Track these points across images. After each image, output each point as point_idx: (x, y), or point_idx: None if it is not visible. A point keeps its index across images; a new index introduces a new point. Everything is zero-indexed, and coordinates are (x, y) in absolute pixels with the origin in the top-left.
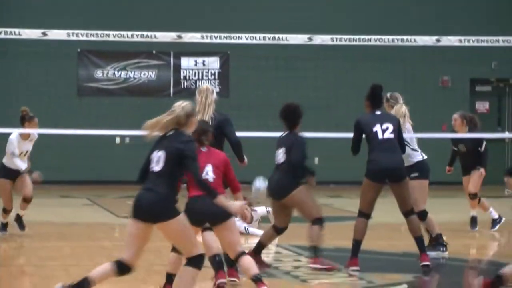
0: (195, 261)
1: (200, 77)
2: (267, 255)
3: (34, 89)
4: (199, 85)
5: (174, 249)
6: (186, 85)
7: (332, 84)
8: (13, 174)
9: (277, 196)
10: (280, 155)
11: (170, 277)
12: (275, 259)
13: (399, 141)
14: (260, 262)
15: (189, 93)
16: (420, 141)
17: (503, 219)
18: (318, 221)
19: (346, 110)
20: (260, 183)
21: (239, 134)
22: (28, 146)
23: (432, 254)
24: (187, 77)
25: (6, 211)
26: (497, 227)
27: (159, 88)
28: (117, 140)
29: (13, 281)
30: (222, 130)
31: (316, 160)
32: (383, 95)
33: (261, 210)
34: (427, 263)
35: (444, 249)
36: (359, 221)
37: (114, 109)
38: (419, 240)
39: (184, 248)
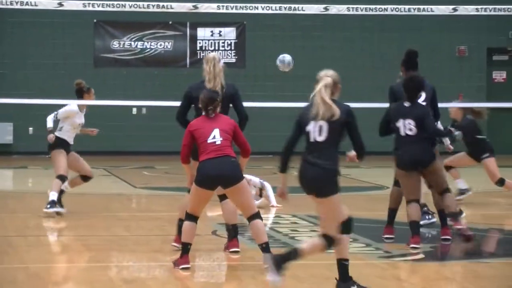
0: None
1: (216, 47)
2: (285, 226)
3: (50, 60)
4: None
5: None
6: (203, 56)
7: (349, 54)
8: (68, 146)
9: (423, 165)
10: (411, 126)
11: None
12: (292, 229)
13: (434, 109)
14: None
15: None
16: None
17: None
18: (448, 189)
19: (363, 81)
20: (285, 56)
21: (256, 104)
22: (83, 118)
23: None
24: (203, 48)
25: (63, 178)
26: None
27: (176, 58)
28: (134, 110)
29: (31, 250)
30: (233, 101)
31: None
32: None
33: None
34: (448, 236)
35: (430, 216)
36: (394, 189)
37: (130, 80)
38: (442, 214)
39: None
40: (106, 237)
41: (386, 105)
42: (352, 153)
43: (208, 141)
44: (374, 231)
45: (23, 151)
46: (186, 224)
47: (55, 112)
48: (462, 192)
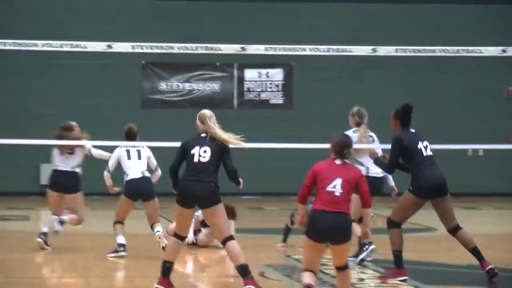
0: None
1: (264, 88)
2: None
3: (99, 101)
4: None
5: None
6: (250, 97)
7: (396, 94)
8: None
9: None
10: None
11: None
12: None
13: None
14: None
15: (253, 105)
16: (485, 152)
17: None
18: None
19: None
20: None
21: (303, 145)
22: None
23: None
24: (251, 89)
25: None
26: None
27: (223, 99)
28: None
29: None
30: (222, 156)
31: None
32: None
33: None
34: (491, 266)
35: (367, 247)
36: (396, 232)
37: (177, 121)
38: (474, 250)
39: None
40: (154, 278)
41: (440, 146)
42: None
43: (327, 189)
44: (422, 273)
45: None
46: (305, 274)
47: (107, 166)
48: None
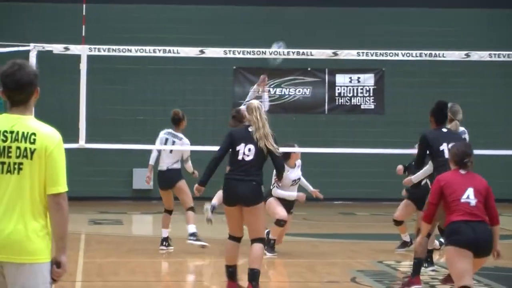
0: None
1: (355, 94)
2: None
3: (191, 106)
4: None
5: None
6: (341, 102)
7: (490, 100)
8: None
9: None
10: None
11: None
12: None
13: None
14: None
15: (344, 110)
16: None
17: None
18: None
19: (505, 127)
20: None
21: (396, 151)
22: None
23: None
24: (342, 94)
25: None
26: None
27: (314, 105)
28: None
29: None
30: (271, 153)
31: None
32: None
33: None
34: None
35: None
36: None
37: (271, 126)
38: None
39: None
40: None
41: None
42: None
43: (462, 201)
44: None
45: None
46: None
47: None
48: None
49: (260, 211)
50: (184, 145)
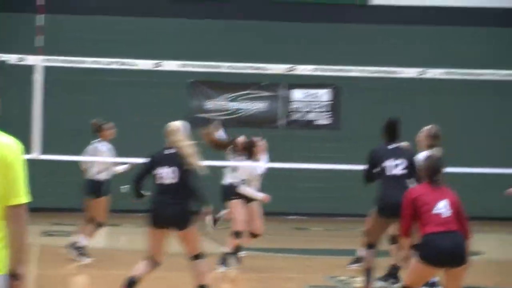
0: None
1: (311, 109)
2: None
3: (146, 119)
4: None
5: None
6: (297, 117)
7: (445, 117)
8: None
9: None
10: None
11: None
12: None
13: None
14: None
15: (300, 125)
16: None
17: None
18: None
19: (461, 144)
20: None
21: (350, 166)
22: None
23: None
24: (298, 109)
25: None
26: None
27: (269, 119)
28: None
29: None
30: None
31: None
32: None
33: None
34: None
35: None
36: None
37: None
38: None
39: None
40: None
41: (499, 170)
42: None
43: (434, 212)
44: None
45: (117, 208)
46: None
47: None
48: None
49: (193, 230)
50: (91, 151)
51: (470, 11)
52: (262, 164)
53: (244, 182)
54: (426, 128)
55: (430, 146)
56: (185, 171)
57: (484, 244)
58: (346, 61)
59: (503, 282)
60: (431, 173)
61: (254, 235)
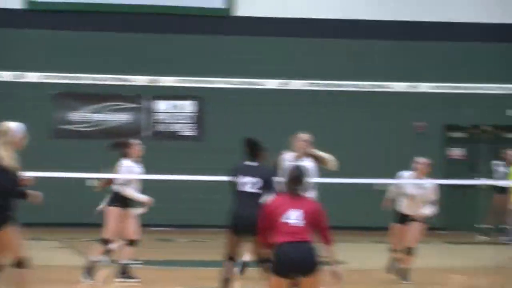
0: None
1: (176, 120)
2: None
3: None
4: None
5: None
6: (161, 128)
7: (309, 128)
8: None
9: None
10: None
11: None
12: None
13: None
14: None
15: (164, 137)
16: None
17: None
18: None
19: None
20: None
21: (215, 178)
22: None
23: None
24: (162, 120)
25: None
26: None
27: (133, 130)
28: (88, 182)
29: None
30: None
31: None
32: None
33: None
34: None
35: None
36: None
37: (89, 152)
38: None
39: None
40: None
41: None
42: None
43: (283, 221)
44: None
45: None
46: None
47: None
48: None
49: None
50: None
51: (328, 23)
52: (137, 166)
53: (125, 183)
54: (300, 135)
55: (301, 155)
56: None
57: (346, 253)
58: (211, 73)
59: None
60: (291, 183)
61: (131, 242)
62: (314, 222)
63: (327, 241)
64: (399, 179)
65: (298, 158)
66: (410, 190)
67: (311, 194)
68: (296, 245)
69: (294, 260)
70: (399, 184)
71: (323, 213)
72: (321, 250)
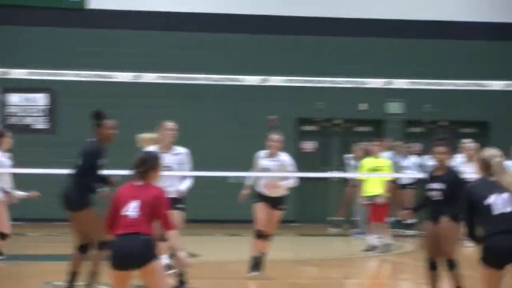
0: None
1: (28, 113)
2: None
3: None
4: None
5: None
6: (14, 121)
7: (163, 120)
8: None
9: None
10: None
11: None
12: None
13: None
14: None
15: (17, 130)
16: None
17: None
18: None
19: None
20: None
21: (68, 171)
22: None
23: None
24: (16, 113)
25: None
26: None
27: None
28: None
29: None
30: None
31: None
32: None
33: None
34: None
35: None
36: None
37: None
38: None
39: None
40: None
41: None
42: None
43: (122, 214)
44: None
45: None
46: None
47: None
48: None
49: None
50: None
51: (188, 16)
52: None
53: None
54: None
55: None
56: None
57: (202, 246)
58: (63, 65)
59: (219, 282)
60: (134, 168)
61: (2, 236)
62: (153, 210)
63: (168, 227)
64: (256, 159)
65: (164, 149)
66: (266, 163)
67: (184, 185)
68: (128, 238)
69: (124, 253)
70: (257, 162)
71: (163, 200)
72: (163, 238)
